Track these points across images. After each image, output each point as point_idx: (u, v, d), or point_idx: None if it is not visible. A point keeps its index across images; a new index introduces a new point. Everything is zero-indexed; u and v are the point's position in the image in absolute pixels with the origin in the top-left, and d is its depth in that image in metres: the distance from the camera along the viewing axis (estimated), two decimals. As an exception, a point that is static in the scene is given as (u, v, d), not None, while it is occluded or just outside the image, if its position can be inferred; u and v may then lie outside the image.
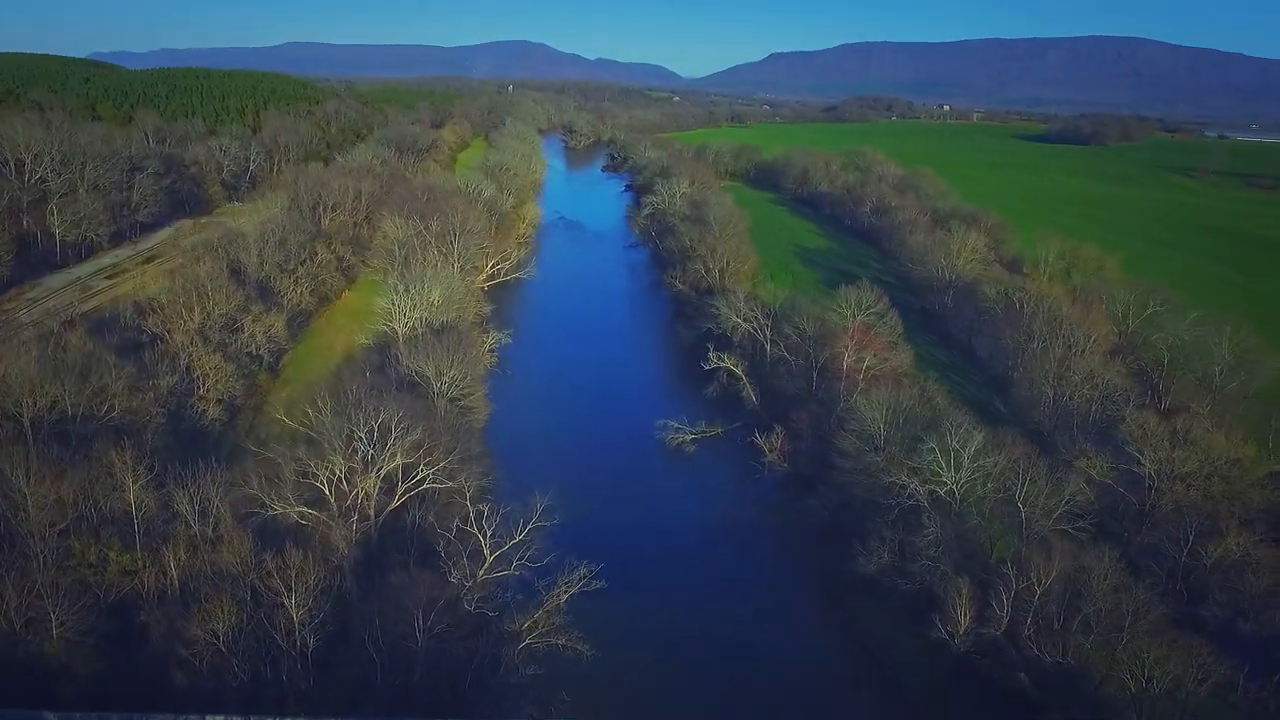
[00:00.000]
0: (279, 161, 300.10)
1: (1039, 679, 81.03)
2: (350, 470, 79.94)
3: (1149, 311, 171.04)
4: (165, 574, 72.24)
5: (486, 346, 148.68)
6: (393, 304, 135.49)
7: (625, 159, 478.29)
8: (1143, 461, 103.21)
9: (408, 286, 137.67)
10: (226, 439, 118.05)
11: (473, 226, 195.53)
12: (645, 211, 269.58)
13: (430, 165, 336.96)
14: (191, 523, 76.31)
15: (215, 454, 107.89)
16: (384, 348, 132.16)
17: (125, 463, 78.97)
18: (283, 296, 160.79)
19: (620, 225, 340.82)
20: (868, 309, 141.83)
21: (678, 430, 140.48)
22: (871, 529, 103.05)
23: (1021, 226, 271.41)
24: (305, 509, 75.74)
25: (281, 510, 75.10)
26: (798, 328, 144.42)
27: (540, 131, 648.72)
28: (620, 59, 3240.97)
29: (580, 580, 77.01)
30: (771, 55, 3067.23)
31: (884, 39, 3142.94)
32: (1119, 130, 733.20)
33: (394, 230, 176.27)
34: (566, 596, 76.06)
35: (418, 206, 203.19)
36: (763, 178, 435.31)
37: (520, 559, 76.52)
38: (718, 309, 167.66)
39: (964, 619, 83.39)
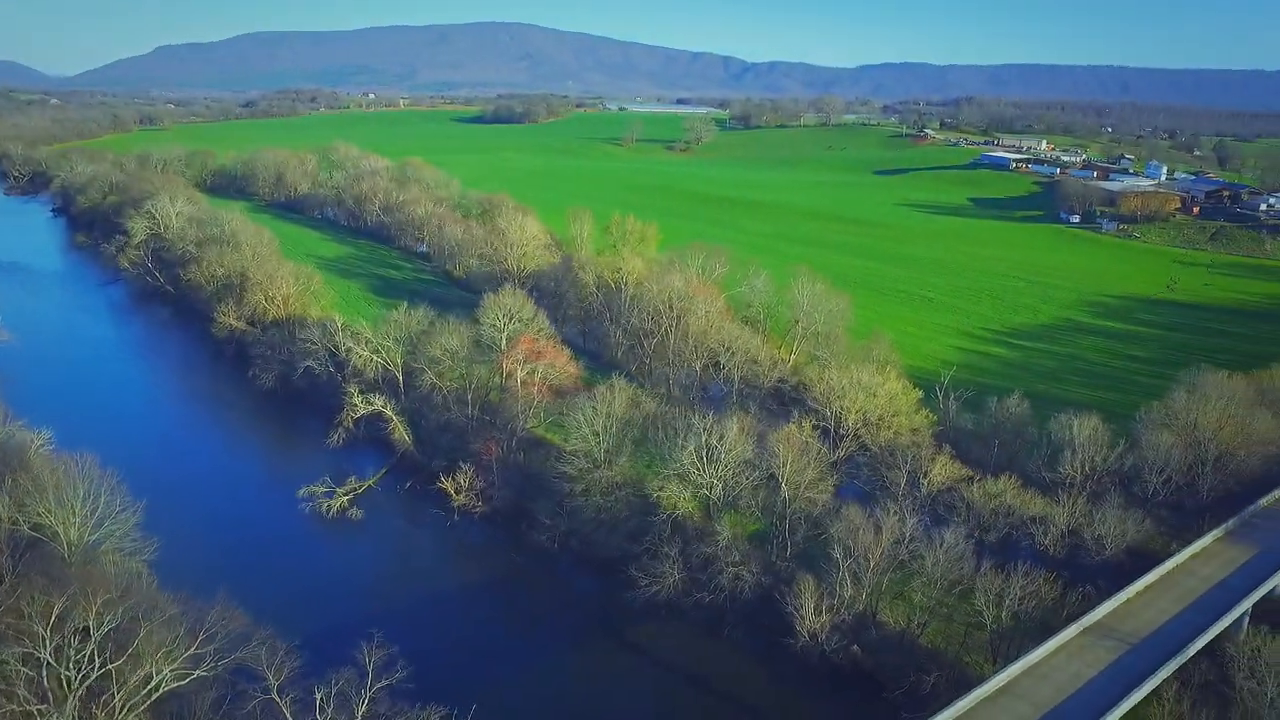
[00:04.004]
0: None
1: (886, 647, 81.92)
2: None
3: (718, 274, 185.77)
4: None
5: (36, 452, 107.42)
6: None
7: (46, 178, 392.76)
8: (844, 414, 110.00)
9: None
10: None
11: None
12: (137, 239, 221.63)
13: None
14: None
15: None
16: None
17: None
18: None
19: (77, 259, 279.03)
20: (515, 316, 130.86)
21: (326, 495, 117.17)
22: (642, 549, 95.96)
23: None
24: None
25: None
26: (445, 349, 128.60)
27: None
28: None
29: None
30: (160, 48, 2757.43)
31: (287, 29, 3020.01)
32: (545, 108, 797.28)
33: None
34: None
35: None
36: (226, 185, 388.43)
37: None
38: (312, 342, 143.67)
39: (808, 613, 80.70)
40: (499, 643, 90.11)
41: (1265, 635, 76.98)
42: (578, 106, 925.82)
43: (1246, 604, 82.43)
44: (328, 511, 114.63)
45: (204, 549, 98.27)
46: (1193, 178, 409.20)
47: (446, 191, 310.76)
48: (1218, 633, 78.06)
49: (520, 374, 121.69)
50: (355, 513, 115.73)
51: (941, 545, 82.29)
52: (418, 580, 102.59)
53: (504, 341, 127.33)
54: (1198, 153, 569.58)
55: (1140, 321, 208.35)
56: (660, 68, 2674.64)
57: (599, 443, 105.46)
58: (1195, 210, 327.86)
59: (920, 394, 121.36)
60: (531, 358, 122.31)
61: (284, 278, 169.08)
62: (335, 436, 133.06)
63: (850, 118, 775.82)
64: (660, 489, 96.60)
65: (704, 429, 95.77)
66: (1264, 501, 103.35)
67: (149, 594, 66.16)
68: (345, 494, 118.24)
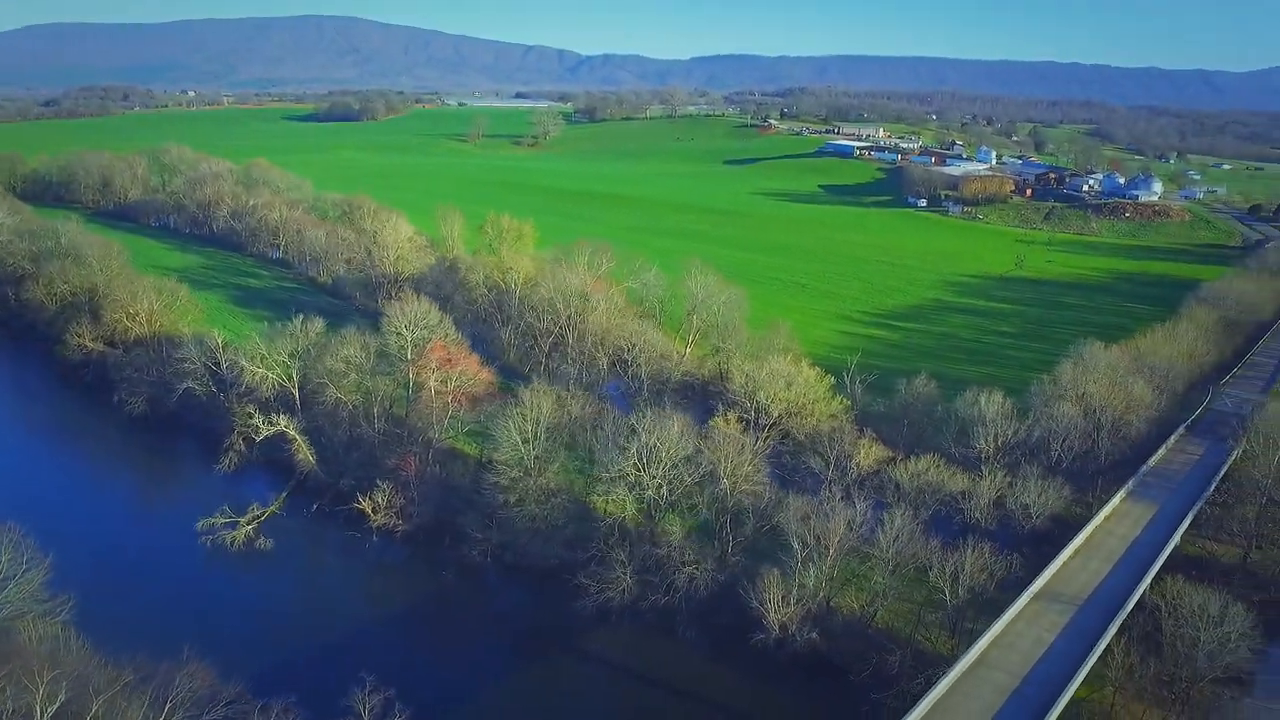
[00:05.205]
0: None
1: (845, 632, 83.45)
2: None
3: (604, 269, 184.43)
4: None
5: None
6: None
7: None
8: (768, 405, 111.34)
9: None
10: None
11: None
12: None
13: None
14: None
15: None
16: None
17: None
18: None
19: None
20: (421, 323, 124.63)
21: (228, 526, 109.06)
22: (588, 556, 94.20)
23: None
24: None
25: None
26: (347, 360, 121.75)
27: None
28: None
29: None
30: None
31: (82, 20, 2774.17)
32: (384, 105, 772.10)
33: None
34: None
35: None
36: (40, 192, 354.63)
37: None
38: (190, 361, 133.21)
39: (775, 605, 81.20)
40: (446, 662, 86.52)
41: (1181, 583, 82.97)
42: (417, 103, 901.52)
43: (1164, 556, 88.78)
44: (232, 543, 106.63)
45: (110, 601, 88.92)
46: (1020, 161, 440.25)
47: (300, 194, 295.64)
48: (1146, 585, 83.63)
49: (433, 383, 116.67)
50: (263, 542, 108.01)
51: (892, 527, 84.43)
52: (349, 608, 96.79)
53: (410, 350, 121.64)
54: (1015, 138, 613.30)
55: (998, 298, 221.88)
56: (494, 61, 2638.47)
57: (529, 450, 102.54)
58: (1028, 192, 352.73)
59: (832, 380, 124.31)
60: (444, 365, 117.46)
61: (145, 292, 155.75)
62: (226, 461, 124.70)
63: (693, 109, 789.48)
64: (605, 494, 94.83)
65: (644, 429, 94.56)
66: (1152, 461, 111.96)
67: (83, 659, 59.10)
68: (248, 523, 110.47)
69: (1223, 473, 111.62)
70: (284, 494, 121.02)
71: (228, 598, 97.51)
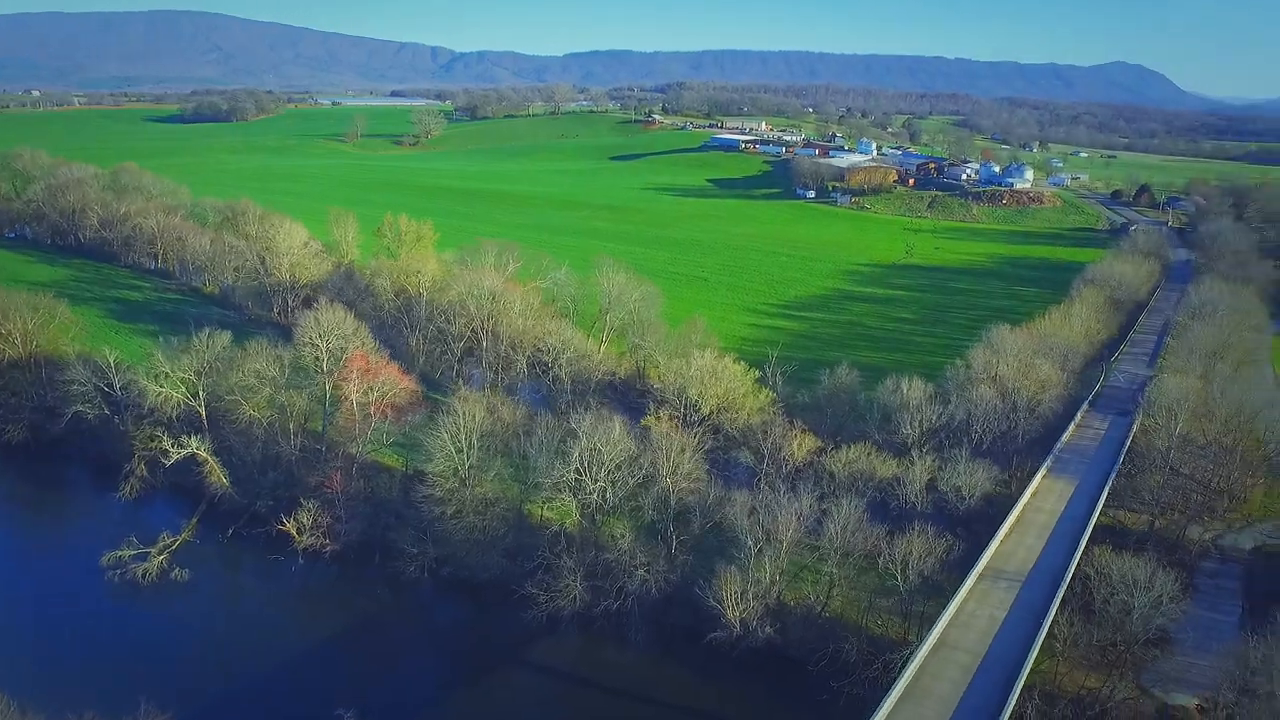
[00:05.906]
0: None
1: (801, 625, 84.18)
2: None
3: (511, 269, 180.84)
4: None
5: None
6: None
7: None
8: (700, 402, 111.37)
9: None
10: None
11: None
12: None
13: None
14: None
15: None
16: None
17: None
18: None
19: None
20: (334, 332, 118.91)
21: (137, 558, 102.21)
22: (535, 564, 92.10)
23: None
24: None
25: None
26: (259, 375, 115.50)
27: None
28: None
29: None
30: None
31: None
32: (254, 105, 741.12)
33: None
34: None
35: None
36: None
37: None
38: (79, 382, 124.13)
39: (732, 602, 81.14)
40: (395, 682, 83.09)
41: (1109, 553, 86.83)
42: (289, 102, 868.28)
43: (1090, 528, 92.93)
44: (144, 577, 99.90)
45: (20, 652, 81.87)
46: (900, 152, 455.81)
47: (176, 200, 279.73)
48: (1078, 557, 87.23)
49: (355, 394, 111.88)
50: (180, 573, 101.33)
51: (840, 517, 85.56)
52: (285, 636, 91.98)
53: (326, 361, 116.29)
54: (891, 130, 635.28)
55: (894, 286, 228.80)
56: (366, 59, 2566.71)
57: (464, 459, 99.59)
58: (911, 182, 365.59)
59: (757, 374, 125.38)
60: (366, 376, 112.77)
61: (18, 310, 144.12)
62: (127, 488, 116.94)
63: (575, 106, 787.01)
64: (546, 502, 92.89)
65: (584, 433, 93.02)
66: (1064, 439, 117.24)
67: None
68: (159, 553, 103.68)
69: (1127, 445, 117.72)
70: (195, 519, 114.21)
71: (150, 636, 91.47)
